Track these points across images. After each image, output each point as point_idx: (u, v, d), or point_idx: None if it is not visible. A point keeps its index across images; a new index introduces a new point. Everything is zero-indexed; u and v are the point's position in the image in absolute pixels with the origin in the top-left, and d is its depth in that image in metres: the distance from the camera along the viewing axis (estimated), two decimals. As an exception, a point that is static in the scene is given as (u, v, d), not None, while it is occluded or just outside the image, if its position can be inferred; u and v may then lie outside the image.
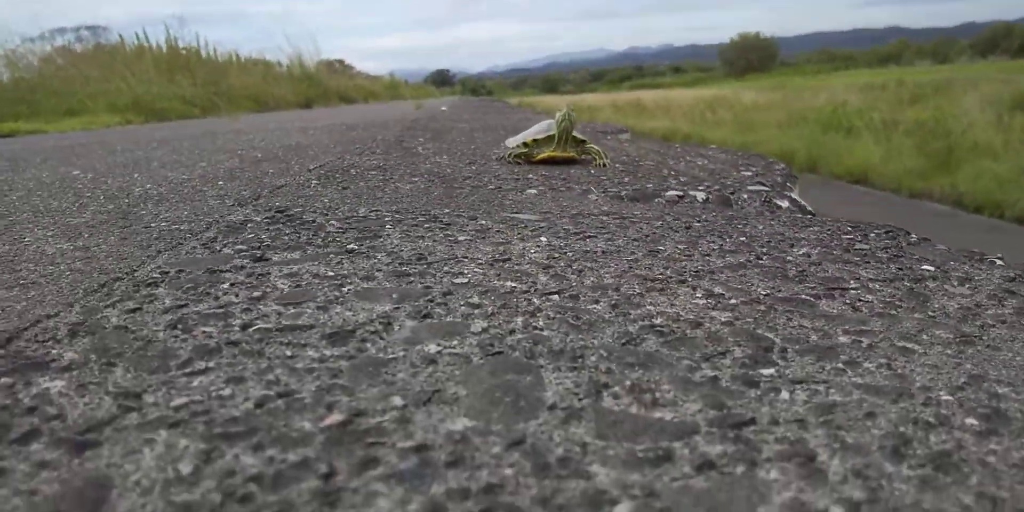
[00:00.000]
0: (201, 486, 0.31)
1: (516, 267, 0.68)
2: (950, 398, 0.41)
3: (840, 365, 0.45)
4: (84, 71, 6.85)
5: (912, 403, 0.40)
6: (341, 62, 15.01)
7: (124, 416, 0.38)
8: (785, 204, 1.19)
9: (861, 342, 0.49)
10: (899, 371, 0.45)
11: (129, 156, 2.02)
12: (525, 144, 1.54)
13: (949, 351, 0.48)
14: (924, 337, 0.51)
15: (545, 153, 1.52)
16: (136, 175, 1.49)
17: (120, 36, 7.92)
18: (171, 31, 8.30)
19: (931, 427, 0.37)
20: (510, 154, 1.62)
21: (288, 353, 0.46)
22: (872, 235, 0.87)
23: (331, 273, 0.64)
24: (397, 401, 0.39)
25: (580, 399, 0.40)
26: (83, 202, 1.14)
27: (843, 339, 0.50)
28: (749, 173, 1.54)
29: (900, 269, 0.70)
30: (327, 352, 0.46)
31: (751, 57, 37.65)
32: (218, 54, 8.98)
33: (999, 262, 0.77)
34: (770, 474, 0.33)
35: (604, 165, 1.54)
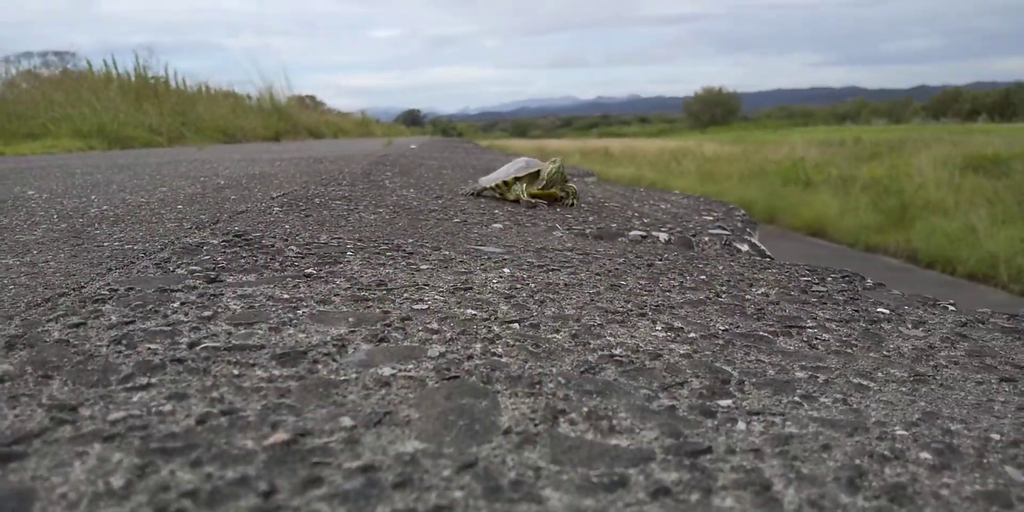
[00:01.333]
0: (132, 500, 0.29)
1: (477, 296, 0.68)
2: (905, 433, 0.41)
3: (797, 398, 0.45)
4: (49, 96, 6.76)
5: (867, 437, 0.40)
6: (312, 98, 15.07)
7: (56, 429, 0.36)
8: (745, 247, 1.20)
9: (817, 377, 0.49)
10: (855, 406, 0.45)
11: (88, 179, 1.98)
12: (506, 182, 1.52)
13: (903, 389, 0.49)
14: (879, 375, 0.51)
15: (533, 189, 1.50)
16: (93, 197, 1.45)
17: (88, 62, 7.86)
18: (140, 60, 8.24)
19: (886, 460, 0.37)
20: (481, 190, 1.61)
21: (235, 372, 0.44)
22: (829, 278, 0.89)
23: (286, 296, 0.63)
24: (346, 422, 0.38)
25: (536, 424, 0.39)
26: (35, 220, 1.11)
27: (800, 374, 0.50)
28: (710, 217, 1.56)
29: (856, 311, 0.71)
30: (276, 372, 0.45)
31: (714, 111, 38.78)
32: (187, 84, 8.94)
33: (951, 308, 0.78)
34: (725, 502, 0.32)
35: (572, 205, 1.54)
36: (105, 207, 1.27)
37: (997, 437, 0.41)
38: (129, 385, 0.42)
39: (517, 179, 1.50)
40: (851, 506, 0.32)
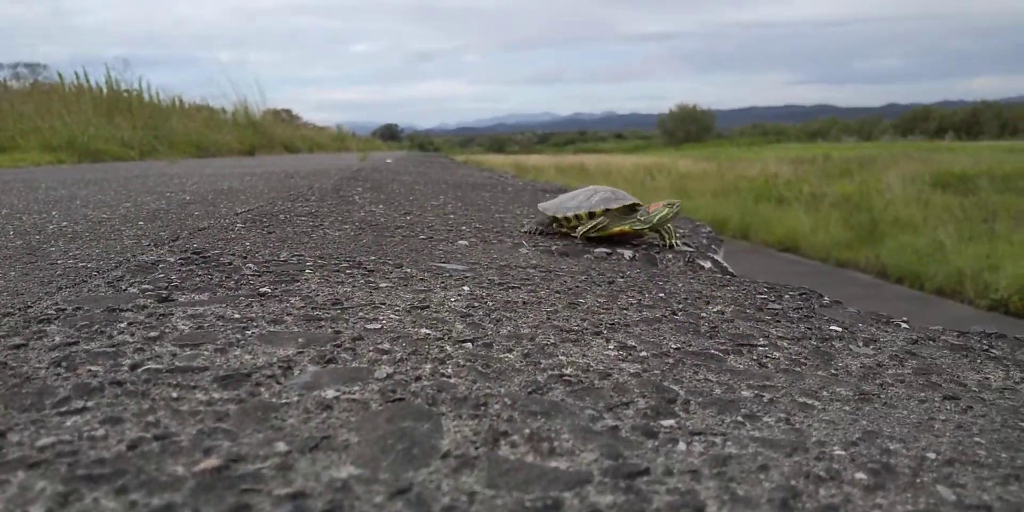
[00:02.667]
0: (48, 533, 0.29)
1: (434, 315, 0.67)
2: (843, 453, 0.41)
3: (740, 418, 0.45)
4: (18, 108, 6.67)
5: (806, 457, 0.40)
6: (288, 112, 15.02)
7: (-21, 457, 0.35)
8: (708, 264, 1.21)
9: (763, 397, 0.50)
10: (797, 426, 0.45)
11: (52, 194, 1.95)
12: (592, 213, 1.20)
13: (847, 408, 0.49)
14: (824, 394, 0.52)
15: (618, 227, 1.20)
16: (54, 213, 1.43)
17: (59, 75, 7.78)
18: (112, 73, 8.17)
19: (821, 481, 0.37)
20: (548, 223, 1.31)
21: (174, 395, 0.44)
22: (787, 296, 0.90)
23: (237, 316, 0.62)
24: (281, 447, 0.37)
25: (476, 447, 0.39)
26: (-10, 237, 1.08)
27: (746, 393, 0.50)
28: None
29: (809, 329, 0.72)
30: (216, 395, 0.44)
31: (689, 128, 39.25)
32: (161, 98, 8.87)
33: (904, 325, 0.80)
34: (657, 525, 0.32)
35: (672, 245, 1.25)
36: (64, 223, 1.25)
37: (933, 456, 0.42)
38: (63, 409, 0.41)
39: (607, 211, 1.20)
40: (782, 528, 0.32)
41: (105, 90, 8.10)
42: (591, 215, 1.21)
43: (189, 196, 1.77)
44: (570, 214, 1.23)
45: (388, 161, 5.87)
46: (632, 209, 1.21)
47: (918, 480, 0.38)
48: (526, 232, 1.36)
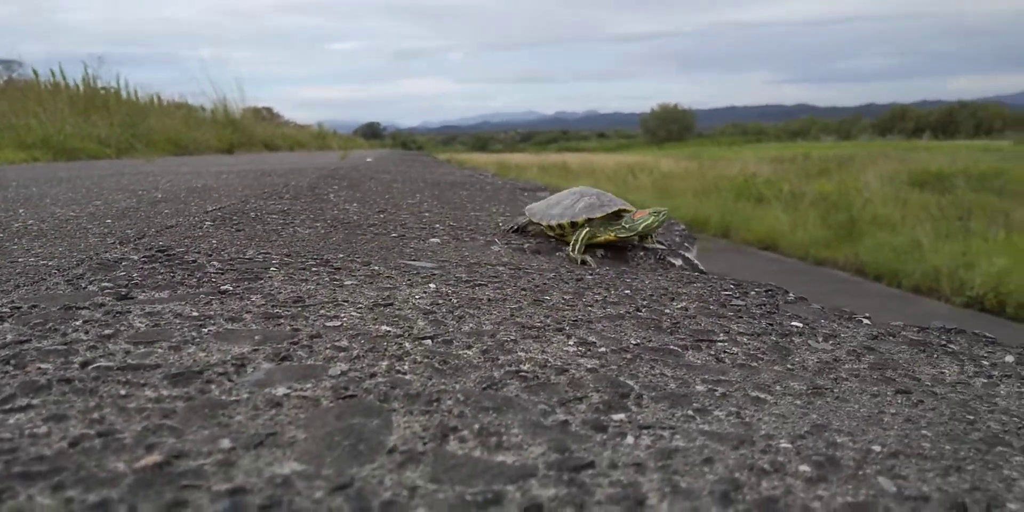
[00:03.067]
0: (-24, 530, 0.29)
1: (396, 312, 0.67)
2: (789, 446, 0.41)
3: (691, 412, 0.46)
4: (-9, 105, 6.57)
5: (752, 450, 0.40)
6: (269, 110, 14.92)
7: (-87, 455, 0.34)
8: (679, 262, 1.22)
9: (716, 391, 0.50)
10: (747, 419, 0.45)
11: (22, 192, 1.92)
12: (574, 223, 1.14)
13: (799, 402, 0.50)
14: (778, 388, 0.52)
15: (603, 237, 1.14)
16: (21, 210, 1.41)
17: (35, 72, 7.66)
18: (90, 70, 8.06)
19: (765, 473, 0.38)
20: (525, 224, 1.27)
21: (123, 392, 0.43)
22: (752, 293, 0.90)
23: (195, 313, 0.62)
24: (225, 444, 0.37)
25: (424, 443, 0.39)
26: (-48, 235, 1.07)
27: (700, 388, 0.51)
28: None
29: (770, 324, 0.73)
30: (165, 392, 0.44)
31: (670, 127, 39.44)
32: (139, 95, 8.78)
33: (866, 321, 0.80)
34: (596, 518, 0.32)
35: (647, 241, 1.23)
36: (31, 221, 1.23)
37: (878, 448, 0.42)
38: (8, 407, 0.41)
39: (590, 220, 1.13)
40: (720, 520, 0.33)
41: (82, 88, 8.00)
42: (573, 225, 1.14)
43: (161, 194, 1.75)
44: (553, 223, 1.17)
45: (368, 160, 5.84)
46: (618, 216, 1.14)
47: (861, 472, 0.39)
48: (505, 231, 1.33)
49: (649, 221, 1.12)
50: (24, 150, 5.81)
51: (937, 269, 5.78)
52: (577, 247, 1.11)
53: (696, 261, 1.30)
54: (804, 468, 0.39)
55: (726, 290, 0.89)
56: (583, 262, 1.08)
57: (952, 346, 0.72)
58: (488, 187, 2.80)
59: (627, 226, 1.13)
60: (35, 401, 0.42)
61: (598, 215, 1.12)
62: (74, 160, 5.78)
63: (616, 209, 1.13)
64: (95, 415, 0.40)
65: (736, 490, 0.35)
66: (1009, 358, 0.68)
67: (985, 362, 0.66)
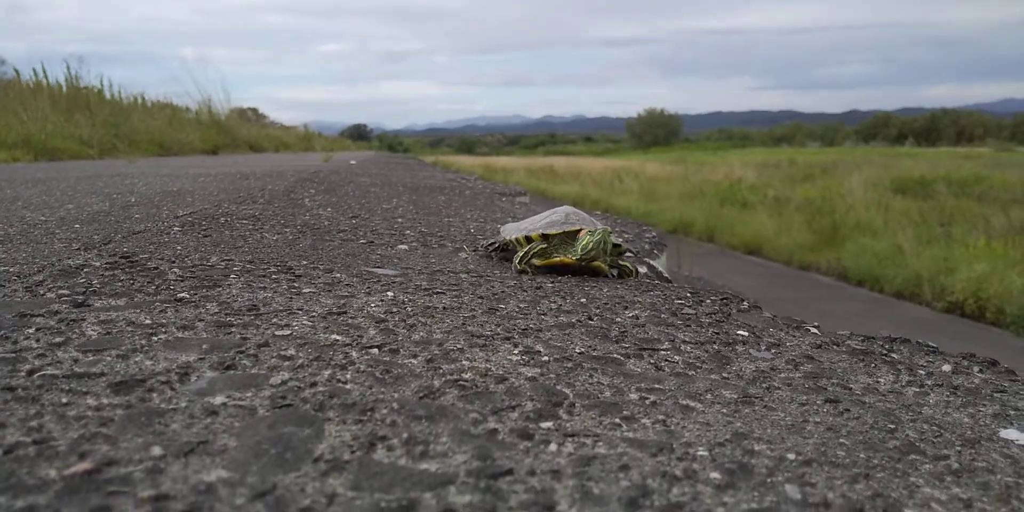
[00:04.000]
0: (-101, 536, 0.30)
1: (349, 320, 0.69)
2: (706, 454, 0.43)
3: (618, 420, 0.47)
4: (-28, 105, 6.51)
5: (669, 457, 0.42)
6: (255, 110, 14.87)
7: None
8: (643, 270, 1.24)
9: (648, 399, 0.52)
10: (671, 427, 0.47)
11: (-5, 194, 1.92)
12: (528, 237, 1.06)
13: (726, 410, 0.52)
14: (709, 396, 0.54)
15: (560, 257, 1.04)
16: (-9, 214, 1.41)
17: (16, 71, 7.61)
18: (73, 69, 8.02)
19: (676, 480, 0.39)
20: (503, 245, 1.17)
21: (64, 400, 0.45)
22: (707, 301, 0.92)
23: (148, 321, 0.63)
24: (156, 451, 0.38)
25: (352, 451, 0.40)
26: (-82, 239, 1.07)
27: (633, 396, 0.53)
28: (620, 239, 1.60)
29: (716, 333, 0.75)
30: (106, 401, 0.45)
31: (657, 132, 39.66)
32: (122, 95, 8.73)
33: (813, 330, 0.83)
34: (504, 524, 0.34)
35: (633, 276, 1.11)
36: (-1, 226, 1.23)
37: (793, 456, 0.44)
38: (-53, 415, 0.42)
39: (545, 236, 1.05)
40: (622, 525, 0.34)
41: (64, 87, 7.94)
42: (528, 239, 1.07)
43: (135, 198, 1.76)
44: (511, 237, 1.12)
45: (352, 162, 5.84)
46: (575, 237, 1.05)
47: (770, 479, 0.41)
48: (485, 249, 1.24)
49: (584, 242, 1.02)
50: (5, 150, 5.77)
51: (918, 274, 5.85)
52: (520, 258, 1.07)
53: (661, 269, 1.32)
54: (715, 475, 0.40)
55: (680, 298, 0.91)
56: (522, 271, 1.06)
57: (894, 355, 0.74)
58: (467, 192, 2.82)
59: (575, 246, 1.04)
60: (-24, 409, 0.43)
61: (553, 231, 1.05)
62: (55, 160, 5.74)
63: (576, 228, 1.04)
64: (34, 423, 0.41)
65: (645, 496, 0.37)
66: (947, 367, 0.71)
67: (922, 371, 0.68)
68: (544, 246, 1.06)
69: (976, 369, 0.71)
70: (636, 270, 1.12)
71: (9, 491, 0.34)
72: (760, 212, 9.39)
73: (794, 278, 7.05)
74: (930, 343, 0.81)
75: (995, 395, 0.62)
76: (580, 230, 1.05)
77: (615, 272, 1.10)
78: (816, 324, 0.85)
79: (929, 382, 0.65)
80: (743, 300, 0.95)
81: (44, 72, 7.73)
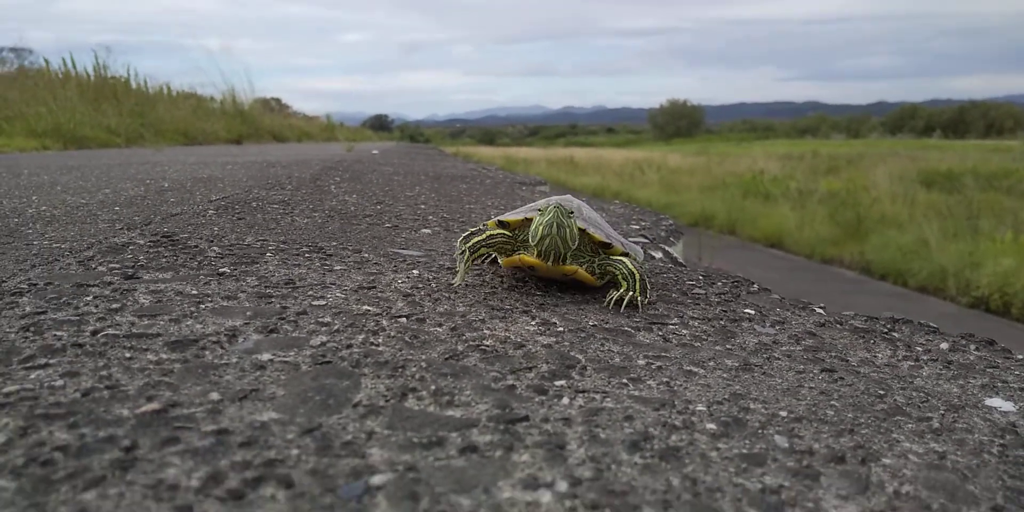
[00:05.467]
0: (10, 454, 0.35)
1: (379, 294, 0.74)
2: (704, 409, 0.48)
3: (625, 380, 0.52)
4: (3, 93, 6.65)
5: (670, 411, 0.47)
6: (278, 101, 14.99)
7: (-48, 399, 0.41)
8: (659, 255, 1.28)
9: (654, 365, 0.56)
10: (675, 388, 0.51)
11: (33, 180, 1.99)
12: (502, 222, 0.81)
13: (726, 375, 0.56)
14: (711, 364, 0.58)
15: (518, 257, 0.78)
16: (34, 197, 1.48)
17: (46, 60, 7.74)
18: (100, 59, 8.15)
19: (675, 429, 0.44)
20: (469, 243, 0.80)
21: (128, 355, 0.50)
22: (718, 283, 0.96)
23: (195, 292, 0.68)
24: (214, 396, 0.44)
25: (387, 400, 0.45)
26: (-29, 219, 1.14)
27: (640, 362, 0.57)
28: (637, 227, 1.64)
29: (724, 311, 0.79)
30: (164, 356, 0.50)
31: (679, 123, 39.44)
32: (148, 85, 8.85)
33: (819, 310, 0.86)
34: (521, 457, 0.38)
35: (636, 305, 0.75)
36: (44, 208, 1.30)
37: (785, 414, 0.48)
38: (28, 365, 0.47)
39: (502, 224, 0.81)
40: (626, 462, 0.39)
41: (92, 76, 8.07)
42: (501, 223, 0.81)
43: (168, 183, 1.82)
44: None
45: (374, 152, 5.90)
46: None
47: (762, 431, 0.45)
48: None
49: (534, 227, 0.75)
50: (35, 138, 5.89)
51: (944, 269, 5.80)
52: (464, 239, 0.82)
53: (676, 255, 1.35)
54: (711, 426, 0.45)
55: (692, 280, 0.95)
56: (460, 255, 0.80)
57: (895, 334, 0.78)
58: (488, 181, 2.86)
59: (531, 236, 0.76)
60: (52, 361, 0.48)
61: (512, 218, 0.80)
62: (84, 148, 5.86)
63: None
64: (103, 373, 0.46)
65: (646, 441, 0.42)
66: (944, 345, 0.74)
67: (919, 348, 0.72)
68: (508, 239, 0.81)
69: (973, 347, 0.74)
70: (640, 278, 0.77)
71: (91, 424, 0.39)
72: (782, 205, 9.32)
73: (816, 271, 7.02)
74: (931, 324, 0.84)
75: (987, 370, 0.66)
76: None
77: (610, 279, 0.80)
78: (822, 305, 0.89)
79: (925, 357, 0.68)
80: (753, 283, 0.99)
81: (72, 62, 7.85)
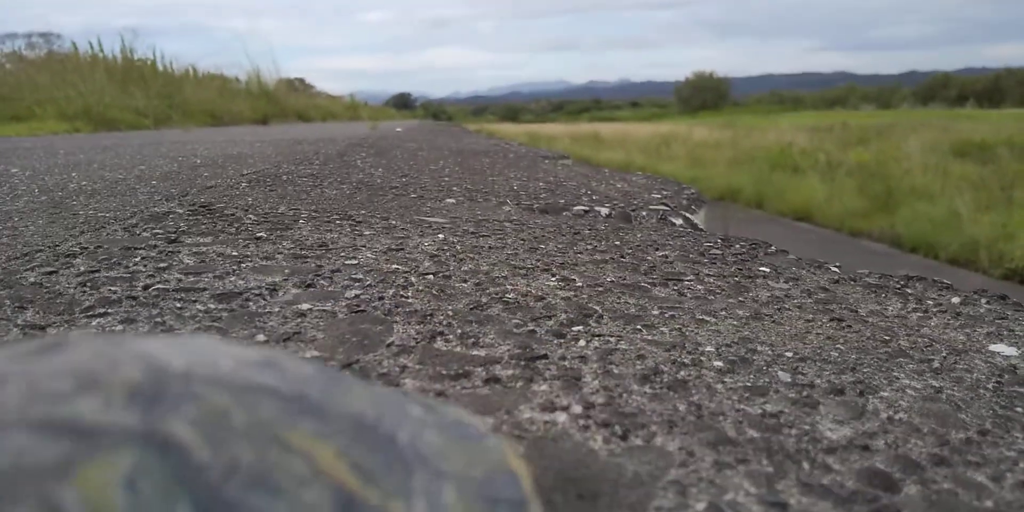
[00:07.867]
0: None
1: (407, 255, 0.77)
2: (712, 350, 0.51)
3: (639, 327, 0.55)
4: (34, 77, 6.78)
5: (680, 352, 0.50)
6: (302, 81, 15.05)
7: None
8: (679, 221, 1.30)
9: (667, 314, 0.60)
10: (686, 333, 0.55)
11: (70, 159, 2.06)
12: None
13: (737, 323, 0.59)
14: (723, 313, 0.61)
15: None
16: (74, 174, 1.54)
17: (73, 44, 7.86)
18: (126, 42, 8.26)
19: (684, 366, 0.47)
20: None
21: (178, 306, 0.54)
22: (736, 246, 0.99)
23: (235, 253, 0.72)
24: (260, 338, 0.48)
25: (417, 342, 0.49)
26: (17, 194, 1.19)
27: (655, 312, 0.60)
28: (659, 195, 1.66)
29: (740, 269, 0.81)
30: (212, 306, 0.54)
31: (705, 95, 38.90)
32: (174, 67, 8.94)
33: (834, 269, 0.88)
34: (540, 387, 0.42)
35: None
36: (84, 183, 1.35)
37: (790, 355, 0.51)
38: (89, 314, 0.52)
39: None
40: (636, 391, 0.42)
41: (119, 59, 8.17)
42: None
43: (200, 160, 1.87)
44: None
45: (398, 130, 5.93)
46: None
47: (767, 369, 0.48)
48: None
49: None
50: (66, 121, 6.01)
51: (976, 240, 5.72)
52: None
53: (696, 221, 1.38)
54: (718, 363, 0.48)
55: (710, 242, 0.98)
56: None
57: (907, 290, 0.80)
58: (511, 155, 2.89)
59: None
60: (110, 310, 0.53)
61: None
62: (114, 130, 5.96)
63: None
64: (158, 319, 0.51)
65: (656, 375, 0.45)
66: (956, 299, 0.76)
67: (930, 302, 0.74)
68: None
69: (984, 301, 0.76)
70: None
71: (153, 361, 0.43)
72: (811, 177, 9.20)
73: (844, 244, 6.94)
74: (945, 280, 0.86)
75: (996, 321, 0.68)
76: None
77: None
78: (838, 264, 0.91)
79: (935, 309, 0.71)
80: (771, 245, 1.01)
81: (100, 45, 7.96)
